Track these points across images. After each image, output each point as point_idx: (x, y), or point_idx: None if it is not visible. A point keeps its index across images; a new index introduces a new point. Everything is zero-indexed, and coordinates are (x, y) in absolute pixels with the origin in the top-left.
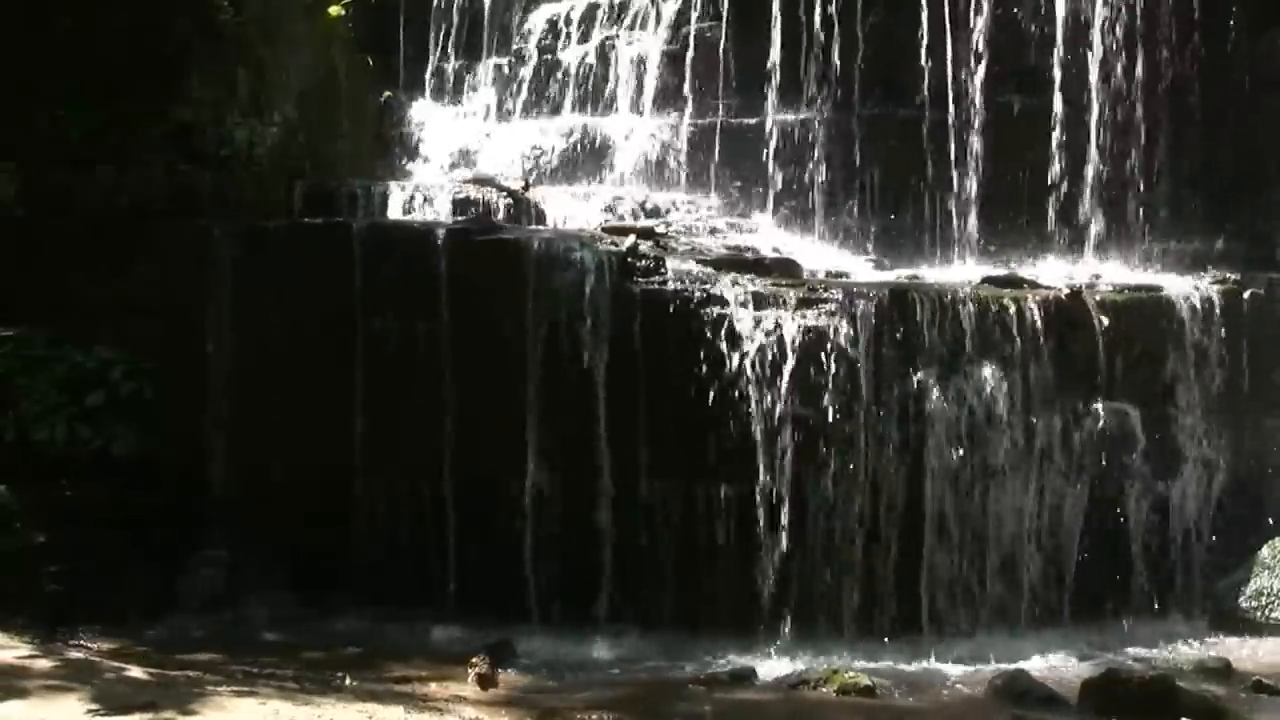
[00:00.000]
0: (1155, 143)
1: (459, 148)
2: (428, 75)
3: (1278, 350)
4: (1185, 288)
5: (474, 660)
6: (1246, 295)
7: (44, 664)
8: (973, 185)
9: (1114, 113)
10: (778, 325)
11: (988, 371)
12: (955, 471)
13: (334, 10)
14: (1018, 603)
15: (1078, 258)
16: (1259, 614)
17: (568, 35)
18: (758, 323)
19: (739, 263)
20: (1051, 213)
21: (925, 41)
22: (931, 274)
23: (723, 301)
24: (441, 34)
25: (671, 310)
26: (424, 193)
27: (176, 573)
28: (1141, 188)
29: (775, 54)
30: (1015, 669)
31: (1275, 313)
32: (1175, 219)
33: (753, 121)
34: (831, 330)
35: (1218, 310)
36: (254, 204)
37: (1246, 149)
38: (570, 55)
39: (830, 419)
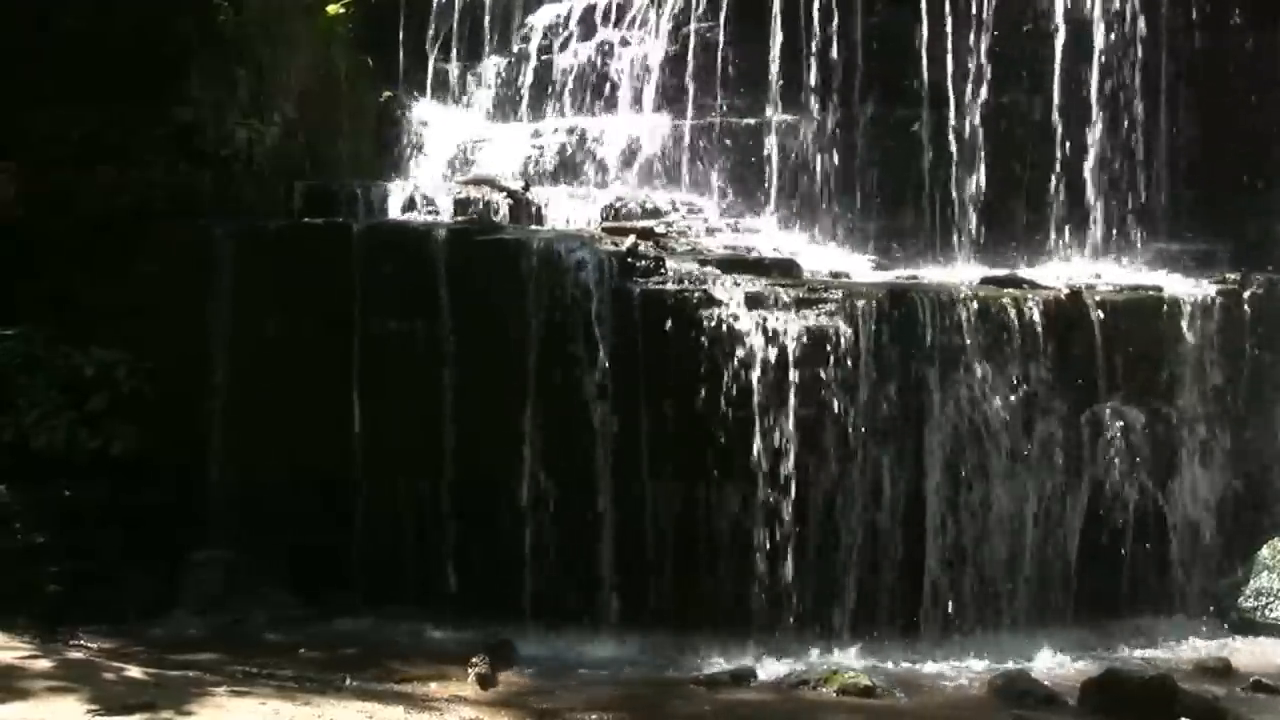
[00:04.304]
0: (1155, 143)
1: (459, 148)
2: (428, 75)
3: (1277, 350)
4: (1185, 288)
5: (474, 660)
6: (1246, 295)
7: (44, 664)
8: (973, 185)
9: (1114, 112)
10: (778, 325)
11: (988, 371)
12: (955, 471)
13: (333, 10)
14: (1018, 602)
15: (1078, 258)
16: (1259, 614)
17: (568, 35)
18: (758, 323)
19: (739, 263)
20: (1051, 213)
21: (925, 41)
22: (931, 274)
23: (723, 301)
24: (441, 34)
25: (671, 310)
26: (424, 193)
27: (176, 573)
28: (1141, 188)
29: (775, 54)
30: (1015, 669)
31: (1275, 313)
32: (1175, 219)
33: (753, 121)
34: (831, 330)
35: (1218, 310)
36: (254, 204)
37: (1246, 149)
38: (570, 55)
39: (830, 419)
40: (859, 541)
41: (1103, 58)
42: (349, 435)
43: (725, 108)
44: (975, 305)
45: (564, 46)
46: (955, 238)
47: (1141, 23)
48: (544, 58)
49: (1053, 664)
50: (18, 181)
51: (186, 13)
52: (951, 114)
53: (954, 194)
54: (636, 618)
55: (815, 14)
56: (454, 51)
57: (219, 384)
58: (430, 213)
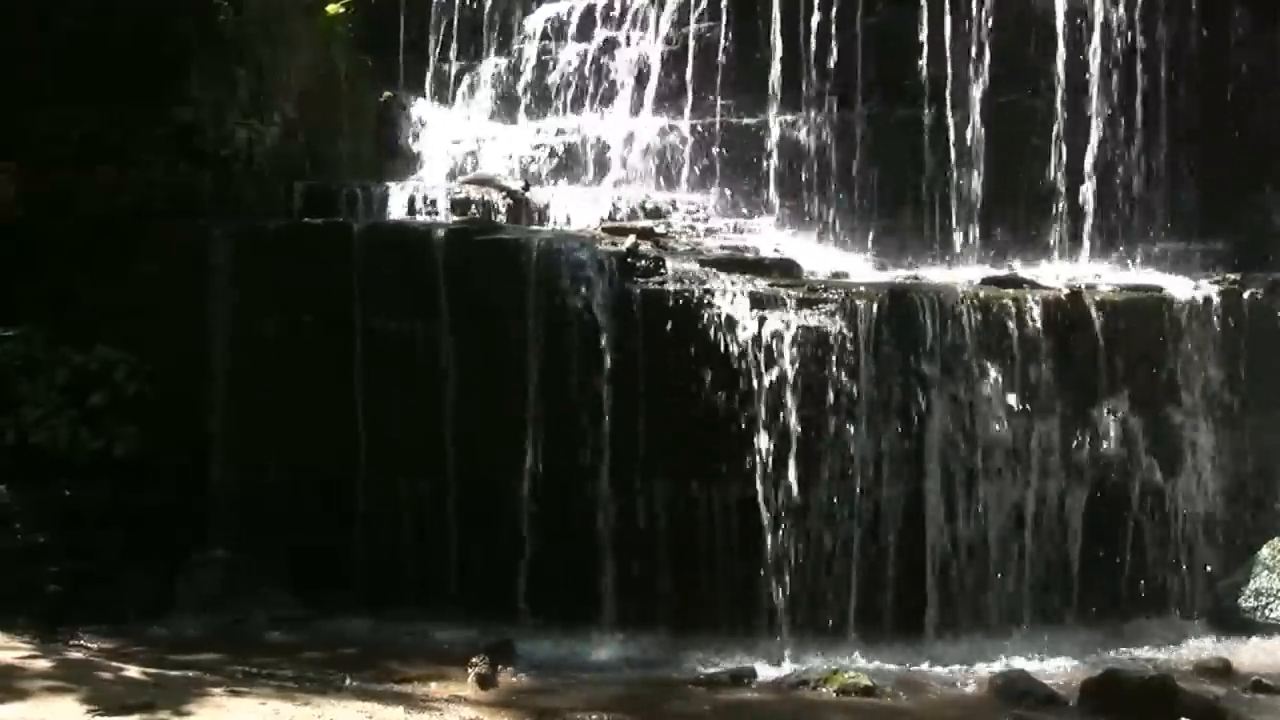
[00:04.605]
0: (1155, 143)
1: (459, 148)
2: (428, 75)
3: (1277, 350)
4: (1185, 288)
5: (474, 660)
6: (1246, 295)
7: (43, 664)
8: (973, 185)
9: (1114, 112)
10: (778, 325)
11: (988, 371)
12: (955, 471)
13: (333, 10)
14: (1018, 603)
15: (1077, 258)
16: (1259, 614)
17: (568, 35)
18: (758, 323)
19: (739, 263)
20: (1051, 213)
21: (925, 41)
22: (931, 274)
23: (723, 302)
24: (441, 34)
25: (671, 310)
26: (424, 193)
27: (176, 573)
28: (1141, 188)
29: (775, 54)
30: (1015, 669)
31: (1275, 313)
32: (1175, 219)
33: (753, 121)
34: (831, 330)
35: (1217, 310)
36: (254, 204)
37: (1246, 149)
38: (570, 55)
39: (830, 419)
40: (859, 541)
41: (1102, 57)
42: (349, 435)
43: (725, 108)
44: (975, 305)
45: (564, 46)
46: (955, 238)
47: (1141, 22)
48: (544, 58)
49: (1053, 664)
50: (18, 181)
51: (186, 13)
52: (951, 114)
53: (954, 194)
54: (636, 618)
55: (815, 14)
56: (454, 51)
57: (219, 384)
58: (430, 213)
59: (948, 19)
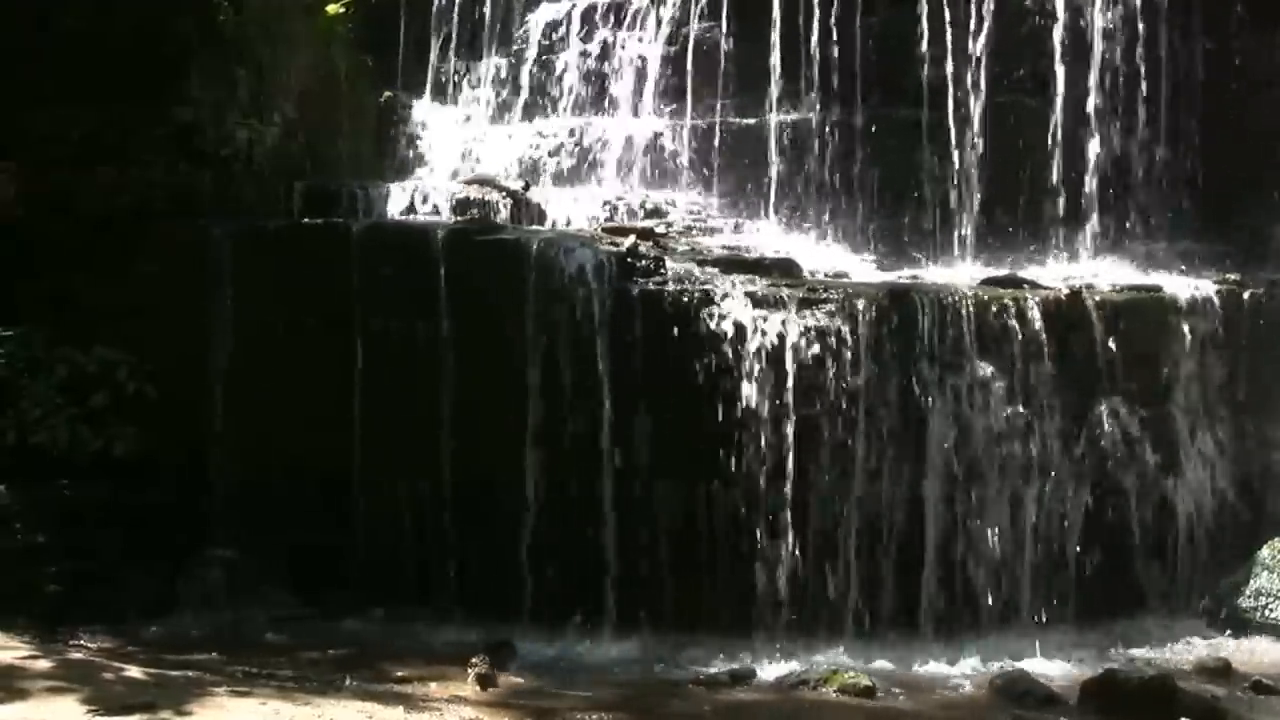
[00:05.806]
0: (1155, 143)
1: (459, 148)
2: (428, 75)
3: (1277, 350)
4: (1185, 288)
5: (474, 660)
6: (1246, 295)
7: (44, 664)
8: (973, 185)
9: (1114, 112)
10: (778, 325)
11: (988, 372)
12: (955, 471)
13: (333, 10)
14: (1018, 603)
15: (1077, 258)
16: (1259, 614)
17: (568, 35)
18: (758, 323)
19: (739, 263)
20: (1051, 213)
21: (925, 41)
22: (931, 274)
23: (723, 301)
24: (441, 34)
25: (671, 310)
26: (424, 193)
27: (176, 573)
28: (1141, 188)
29: (775, 54)
30: (1015, 669)
31: (1275, 313)
32: (1175, 219)
33: (753, 121)
34: (831, 330)
35: (1217, 310)
36: (254, 204)
37: (1246, 149)
38: (570, 55)
39: (830, 419)
40: (859, 541)
41: (1103, 57)
42: (349, 435)
43: (725, 108)
44: (975, 305)
45: (564, 46)
46: (955, 238)
47: (1141, 23)
48: (544, 58)
49: (1053, 664)
50: (18, 181)
51: (186, 13)
52: (951, 114)
53: (954, 194)
54: (636, 618)
55: (815, 14)
56: (454, 51)
57: (219, 384)
58: (430, 213)
59: (948, 19)
